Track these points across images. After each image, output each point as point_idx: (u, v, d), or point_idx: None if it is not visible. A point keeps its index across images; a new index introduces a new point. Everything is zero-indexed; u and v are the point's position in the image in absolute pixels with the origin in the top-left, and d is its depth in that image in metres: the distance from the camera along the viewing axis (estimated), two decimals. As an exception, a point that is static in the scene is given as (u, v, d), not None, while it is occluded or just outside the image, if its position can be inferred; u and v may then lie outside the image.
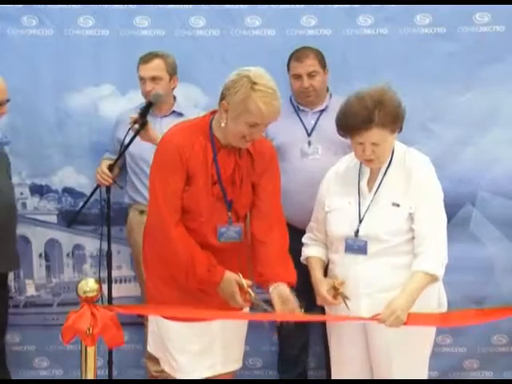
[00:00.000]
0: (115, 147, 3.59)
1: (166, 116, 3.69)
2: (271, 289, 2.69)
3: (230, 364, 2.90)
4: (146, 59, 3.61)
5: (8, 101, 3.35)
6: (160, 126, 3.61)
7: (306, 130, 3.62)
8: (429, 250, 2.67)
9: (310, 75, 3.56)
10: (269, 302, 2.69)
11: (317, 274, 2.84)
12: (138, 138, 3.38)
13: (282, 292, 2.66)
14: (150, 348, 2.95)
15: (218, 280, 2.67)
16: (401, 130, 2.80)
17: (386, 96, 2.68)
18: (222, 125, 2.66)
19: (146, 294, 2.99)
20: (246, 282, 2.66)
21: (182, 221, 2.70)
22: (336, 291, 2.73)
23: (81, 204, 3.76)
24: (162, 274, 2.80)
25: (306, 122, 3.64)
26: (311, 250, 2.92)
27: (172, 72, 3.65)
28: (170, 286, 2.78)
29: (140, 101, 3.65)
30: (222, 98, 2.65)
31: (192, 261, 2.65)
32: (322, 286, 2.76)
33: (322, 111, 3.63)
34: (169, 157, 2.68)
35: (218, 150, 2.71)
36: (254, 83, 2.57)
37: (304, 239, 2.97)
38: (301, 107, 3.67)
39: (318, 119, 3.62)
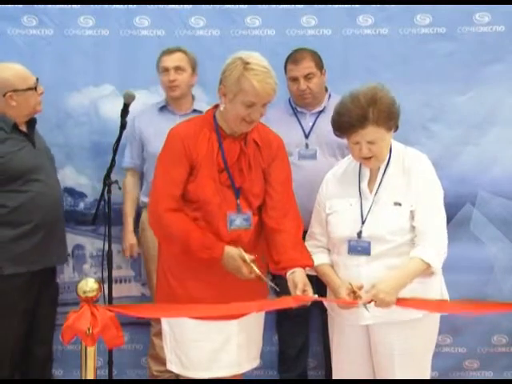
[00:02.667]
0: (137, 142, 3.70)
1: (186, 114, 3.67)
2: (288, 274, 2.70)
3: (245, 363, 2.90)
4: (169, 52, 3.66)
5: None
6: None
7: (304, 132, 3.62)
8: (429, 241, 2.66)
9: (307, 77, 3.55)
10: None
11: (335, 279, 2.78)
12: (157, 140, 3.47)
13: (298, 277, 2.67)
14: (165, 348, 2.93)
15: (219, 256, 2.68)
16: (396, 128, 2.79)
17: (380, 94, 2.69)
18: (221, 109, 2.73)
19: (155, 287, 3.00)
20: (248, 257, 2.67)
21: (181, 209, 2.73)
22: (355, 295, 2.66)
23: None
24: (168, 265, 2.83)
25: (304, 123, 3.64)
26: (319, 258, 2.86)
27: (193, 66, 3.69)
28: (174, 278, 2.80)
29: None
30: (220, 82, 2.72)
31: (186, 239, 2.69)
32: (343, 291, 2.69)
33: (320, 112, 3.63)
34: (173, 148, 2.75)
35: (223, 139, 2.77)
36: (247, 63, 2.64)
37: (308, 248, 2.89)
38: (299, 109, 3.66)
39: (315, 121, 3.61)
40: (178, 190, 2.73)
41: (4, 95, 3.29)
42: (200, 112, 3.61)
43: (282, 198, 2.83)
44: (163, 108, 3.74)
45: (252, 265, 2.67)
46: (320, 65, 3.61)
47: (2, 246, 3.27)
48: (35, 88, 3.36)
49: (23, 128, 3.40)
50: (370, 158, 2.72)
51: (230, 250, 2.70)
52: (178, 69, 3.63)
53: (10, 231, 3.27)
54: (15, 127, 3.34)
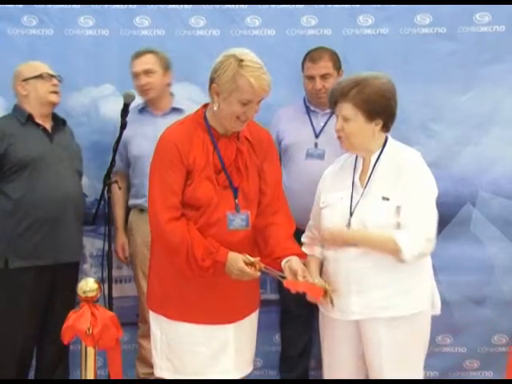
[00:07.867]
0: (121, 145, 3.63)
1: (165, 114, 3.67)
2: (283, 263, 2.68)
3: (242, 368, 2.88)
4: (137, 55, 3.64)
5: None
6: (163, 125, 3.62)
7: (315, 132, 3.61)
8: (411, 230, 2.63)
9: (323, 77, 3.55)
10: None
11: (312, 273, 2.80)
12: (138, 141, 3.50)
13: (295, 264, 2.65)
14: (154, 353, 2.88)
15: (224, 260, 2.64)
16: (388, 129, 2.79)
17: (373, 80, 2.72)
18: (215, 108, 2.68)
19: (146, 290, 2.97)
20: (252, 258, 2.63)
21: (181, 217, 2.68)
22: (325, 293, 2.70)
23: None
24: (160, 273, 2.81)
25: (316, 123, 3.63)
26: (307, 249, 2.89)
27: (165, 66, 3.65)
28: (166, 284, 2.78)
29: (142, 101, 3.72)
30: (211, 81, 2.67)
31: (191, 246, 2.63)
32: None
33: (332, 113, 3.60)
34: (168, 155, 2.68)
35: (217, 139, 2.73)
36: (241, 60, 2.61)
37: (303, 238, 2.96)
38: (312, 108, 3.66)
39: (327, 121, 3.59)
40: (177, 198, 2.67)
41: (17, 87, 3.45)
42: (179, 110, 3.63)
43: (274, 197, 2.81)
44: (143, 110, 3.73)
45: (255, 261, 2.62)
46: (337, 65, 3.61)
47: (9, 240, 3.29)
48: (44, 77, 3.43)
49: (40, 121, 3.44)
50: (341, 137, 2.76)
51: (233, 254, 2.65)
52: (147, 72, 3.61)
53: (15, 224, 3.30)
54: (30, 119, 3.41)
